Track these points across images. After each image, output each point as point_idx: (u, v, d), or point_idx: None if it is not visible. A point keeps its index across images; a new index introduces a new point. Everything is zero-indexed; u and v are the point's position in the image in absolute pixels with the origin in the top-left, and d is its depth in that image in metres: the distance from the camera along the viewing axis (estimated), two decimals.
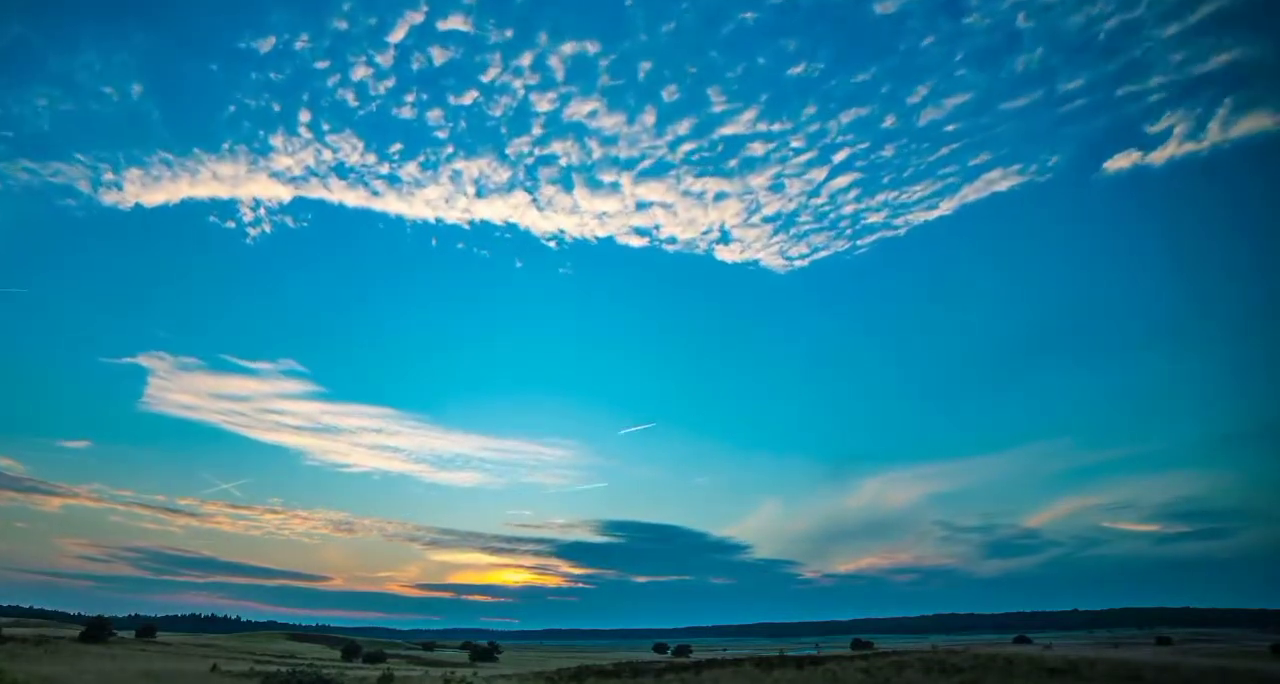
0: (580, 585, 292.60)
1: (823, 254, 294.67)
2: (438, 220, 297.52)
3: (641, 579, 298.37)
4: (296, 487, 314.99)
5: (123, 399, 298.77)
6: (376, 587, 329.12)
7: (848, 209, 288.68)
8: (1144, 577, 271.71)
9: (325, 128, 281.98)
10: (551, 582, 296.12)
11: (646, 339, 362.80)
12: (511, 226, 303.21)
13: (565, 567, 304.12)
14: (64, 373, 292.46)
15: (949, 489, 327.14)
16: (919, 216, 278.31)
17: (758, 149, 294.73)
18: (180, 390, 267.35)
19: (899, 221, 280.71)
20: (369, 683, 31.92)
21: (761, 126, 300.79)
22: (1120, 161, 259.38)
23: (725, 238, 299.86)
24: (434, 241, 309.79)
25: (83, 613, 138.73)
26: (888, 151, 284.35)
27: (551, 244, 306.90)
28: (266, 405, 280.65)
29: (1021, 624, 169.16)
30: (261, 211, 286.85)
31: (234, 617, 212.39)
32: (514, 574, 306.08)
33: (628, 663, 40.07)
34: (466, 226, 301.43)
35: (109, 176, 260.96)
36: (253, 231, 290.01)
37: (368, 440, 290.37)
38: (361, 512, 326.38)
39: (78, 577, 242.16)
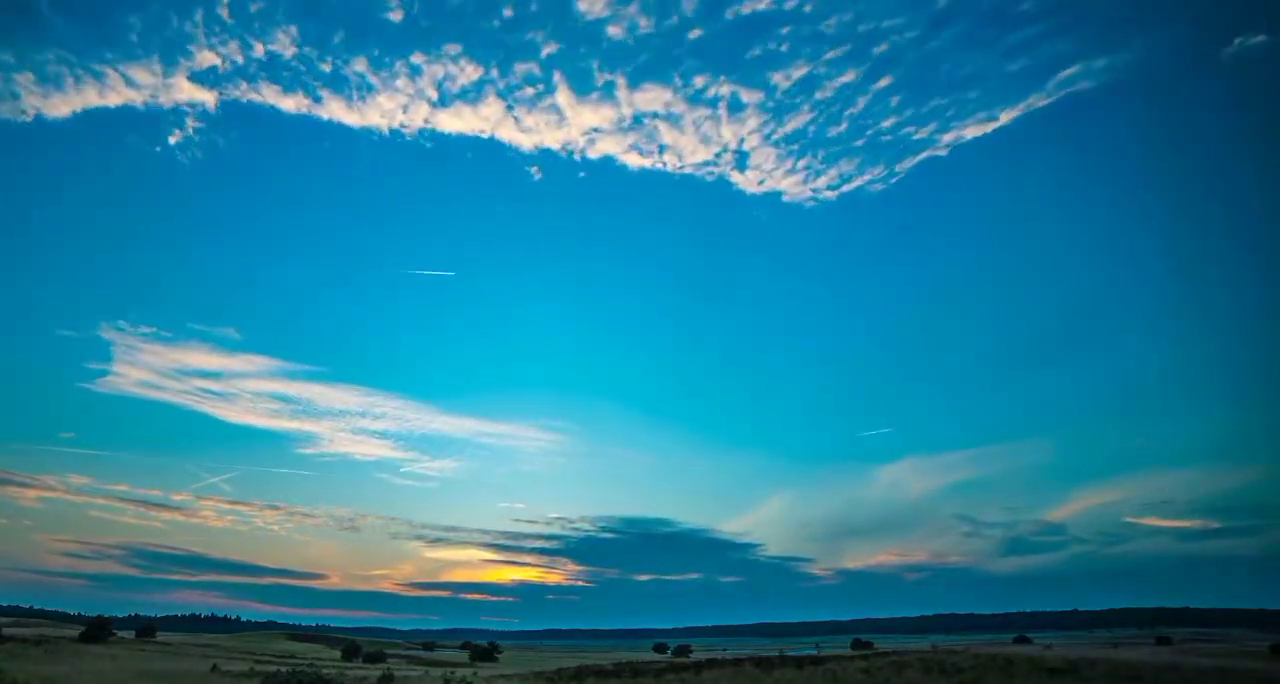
0: (580, 584, 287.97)
1: (853, 185, 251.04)
2: (393, 133, 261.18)
3: (643, 578, 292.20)
4: (285, 479, 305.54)
5: (84, 377, 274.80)
6: (371, 585, 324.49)
7: (887, 123, 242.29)
8: (1170, 575, 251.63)
9: (253, 7, 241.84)
10: (550, 578, 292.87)
11: (647, 300, 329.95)
12: (484, 142, 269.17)
13: (565, 564, 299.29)
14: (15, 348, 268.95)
15: (972, 478, 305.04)
16: (971, 130, 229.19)
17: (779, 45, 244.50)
18: (146, 368, 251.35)
19: (946, 137, 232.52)
20: (369, 683, 31.91)
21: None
22: (1247, 41, 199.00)
23: (741, 162, 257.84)
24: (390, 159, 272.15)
25: (81, 613, 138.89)
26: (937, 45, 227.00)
27: (533, 170, 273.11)
28: (244, 386, 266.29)
29: (1021, 624, 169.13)
30: (190, 129, 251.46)
31: (233, 616, 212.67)
32: (512, 572, 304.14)
33: (628, 663, 40.06)
34: (429, 143, 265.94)
35: None
36: (183, 157, 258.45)
37: (350, 424, 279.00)
38: (351, 504, 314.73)
39: (65, 575, 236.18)
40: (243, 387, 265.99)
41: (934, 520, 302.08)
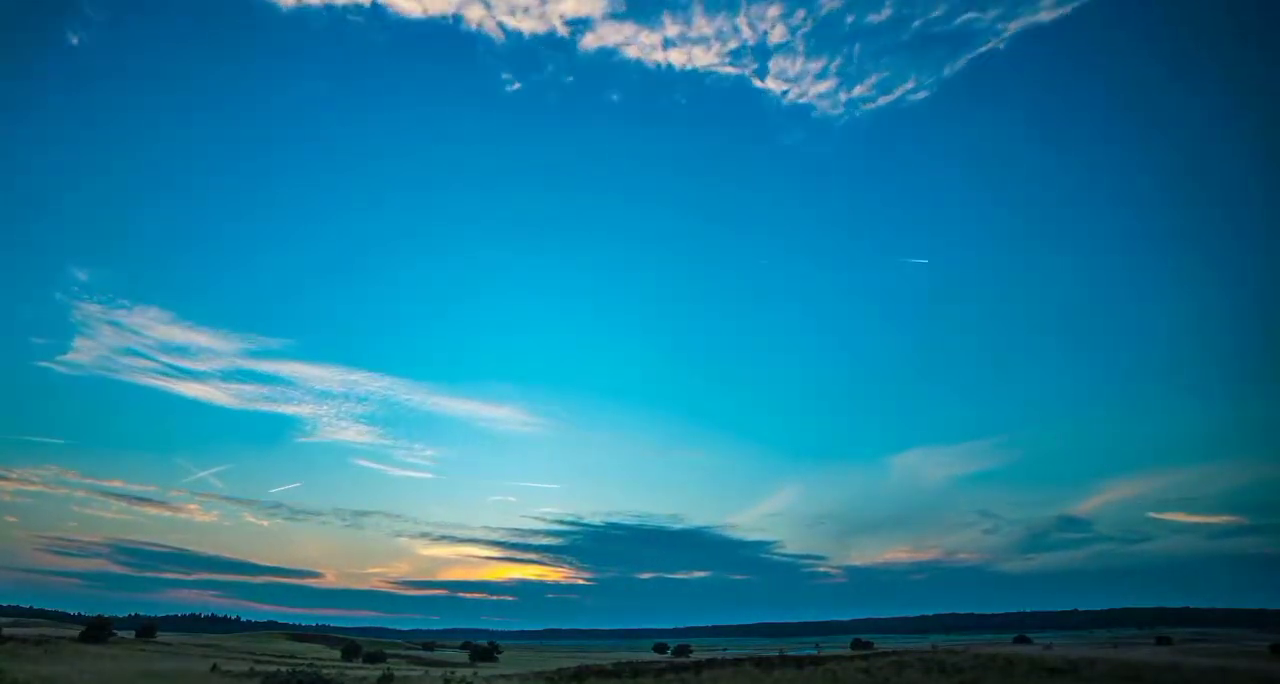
0: (580, 582, 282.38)
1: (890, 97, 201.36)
2: (336, 13, 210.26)
3: (645, 575, 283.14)
4: (273, 471, 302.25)
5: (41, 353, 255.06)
6: (365, 583, 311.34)
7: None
8: (1197, 574, 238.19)
9: None
10: (551, 576, 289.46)
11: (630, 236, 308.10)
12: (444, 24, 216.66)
13: (566, 562, 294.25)
14: None
15: (990, 469, 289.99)
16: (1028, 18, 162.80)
17: None
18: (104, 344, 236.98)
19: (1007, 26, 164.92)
20: (369, 683, 31.92)
21: None
22: None
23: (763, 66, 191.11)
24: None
25: (81, 613, 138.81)
26: None
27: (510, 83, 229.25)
28: (220, 365, 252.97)
29: (1021, 624, 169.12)
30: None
31: (232, 616, 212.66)
32: (512, 570, 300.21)
33: (628, 663, 40.06)
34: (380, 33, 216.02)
35: None
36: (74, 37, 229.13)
37: (336, 409, 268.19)
38: (343, 495, 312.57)
39: (51, 573, 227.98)
40: (215, 365, 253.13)
41: (949, 515, 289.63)
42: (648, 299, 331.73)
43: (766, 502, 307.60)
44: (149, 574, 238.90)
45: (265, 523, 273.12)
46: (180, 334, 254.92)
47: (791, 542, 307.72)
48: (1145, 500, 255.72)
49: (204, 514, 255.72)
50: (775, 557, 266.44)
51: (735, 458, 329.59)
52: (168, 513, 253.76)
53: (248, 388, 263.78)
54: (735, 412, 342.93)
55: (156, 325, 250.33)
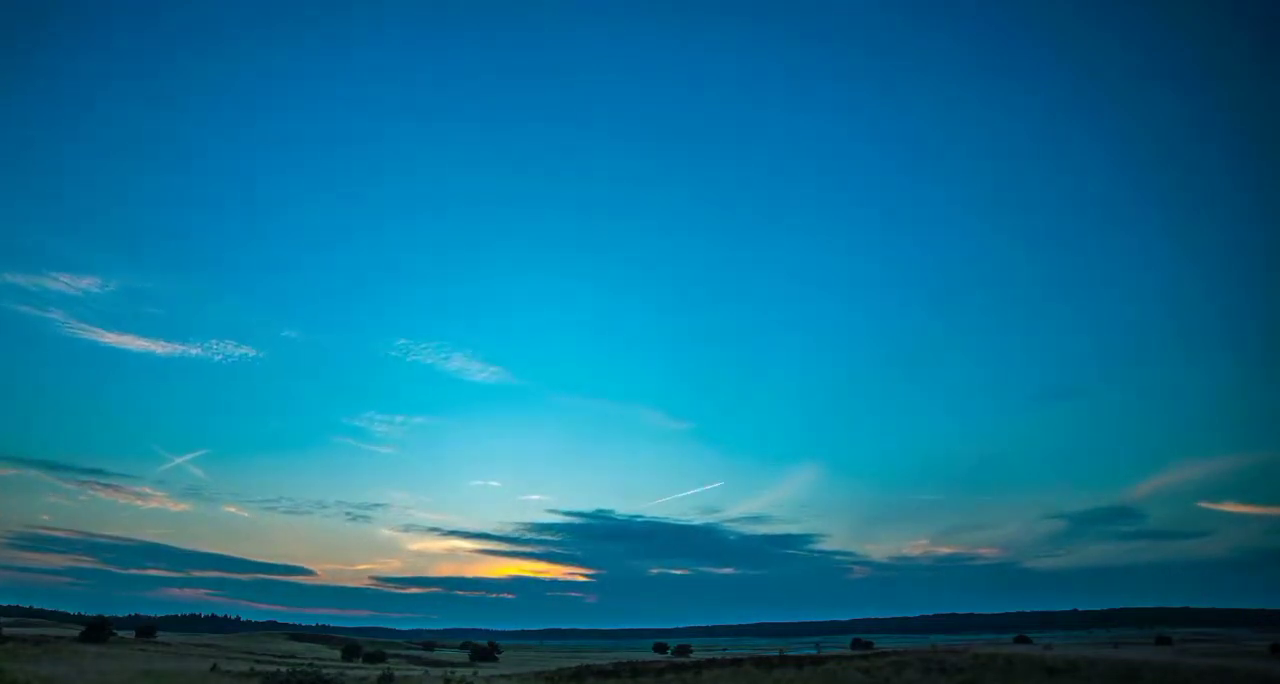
0: (580, 580, 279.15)
1: None
2: None
3: (654, 571, 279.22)
4: (252, 457, 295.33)
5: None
6: (358, 581, 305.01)
7: None
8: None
9: None
10: (551, 574, 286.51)
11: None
12: None
13: (565, 560, 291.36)
14: None
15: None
16: None
17: None
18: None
19: None
20: (369, 683, 31.92)
21: None
22: None
23: None
24: None
25: (81, 613, 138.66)
26: None
27: None
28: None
29: (1021, 624, 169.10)
30: None
31: (234, 616, 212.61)
32: (512, 568, 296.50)
33: (628, 663, 40.07)
34: None
35: None
36: None
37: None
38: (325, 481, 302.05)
39: (23, 570, 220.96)
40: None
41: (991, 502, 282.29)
42: (646, 299, 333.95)
43: (781, 486, 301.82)
44: (131, 571, 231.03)
45: (246, 514, 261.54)
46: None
47: (826, 536, 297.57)
48: (1195, 489, 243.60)
49: (176, 504, 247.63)
50: (811, 552, 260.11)
51: (744, 449, 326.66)
52: (139, 502, 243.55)
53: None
54: (734, 410, 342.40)
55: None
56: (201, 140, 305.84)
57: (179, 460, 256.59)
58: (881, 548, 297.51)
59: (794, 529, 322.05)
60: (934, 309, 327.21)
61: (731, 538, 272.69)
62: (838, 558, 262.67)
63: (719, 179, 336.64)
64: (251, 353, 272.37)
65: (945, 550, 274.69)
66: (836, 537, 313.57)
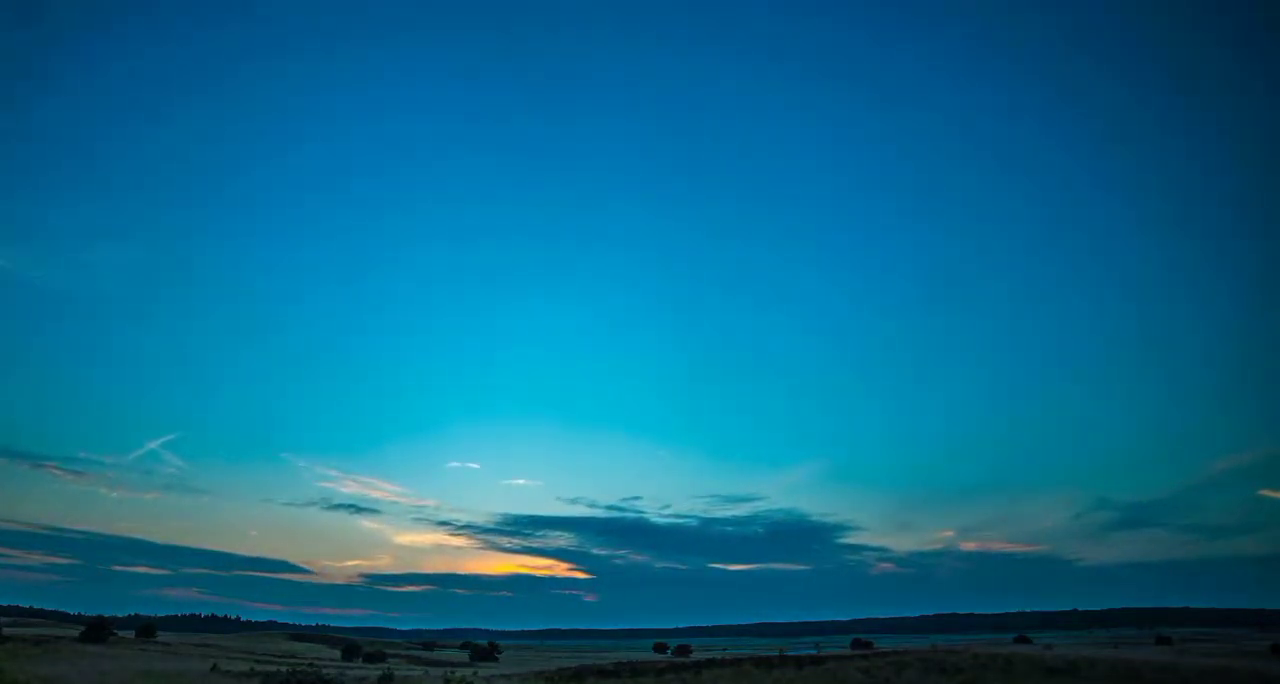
0: (581, 577, 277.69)
1: None
2: None
3: (659, 566, 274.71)
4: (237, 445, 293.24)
5: None
6: (353, 579, 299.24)
7: None
8: None
9: None
10: (551, 572, 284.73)
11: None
12: None
13: (565, 557, 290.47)
14: None
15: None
16: None
17: None
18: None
19: None
20: (369, 683, 31.93)
21: None
22: None
23: None
24: None
25: (82, 613, 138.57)
26: None
27: None
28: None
29: (1021, 624, 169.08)
30: None
31: (234, 616, 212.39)
32: (512, 566, 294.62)
33: (628, 663, 40.09)
34: None
35: None
36: None
37: None
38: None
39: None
40: None
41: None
42: (648, 296, 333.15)
43: (795, 472, 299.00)
44: (110, 567, 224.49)
45: (235, 508, 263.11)
46: None
47: (825, 537, 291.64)
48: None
49: (161, 495, 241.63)
50: (810, 552, 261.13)
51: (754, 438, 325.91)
52: (116, 493, 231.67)
53: None
54: (736, 407, 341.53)
55: None
56: None
57: (153, 444, 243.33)
58: (894, 543, 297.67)
59: (799, 526, 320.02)
60: (936, 304, 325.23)
61: (732, 537, 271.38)
62: (841, 558, 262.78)
63: (719, 179, 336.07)
64: None
65: (971, 547, 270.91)
66: (839, 536, 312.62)
